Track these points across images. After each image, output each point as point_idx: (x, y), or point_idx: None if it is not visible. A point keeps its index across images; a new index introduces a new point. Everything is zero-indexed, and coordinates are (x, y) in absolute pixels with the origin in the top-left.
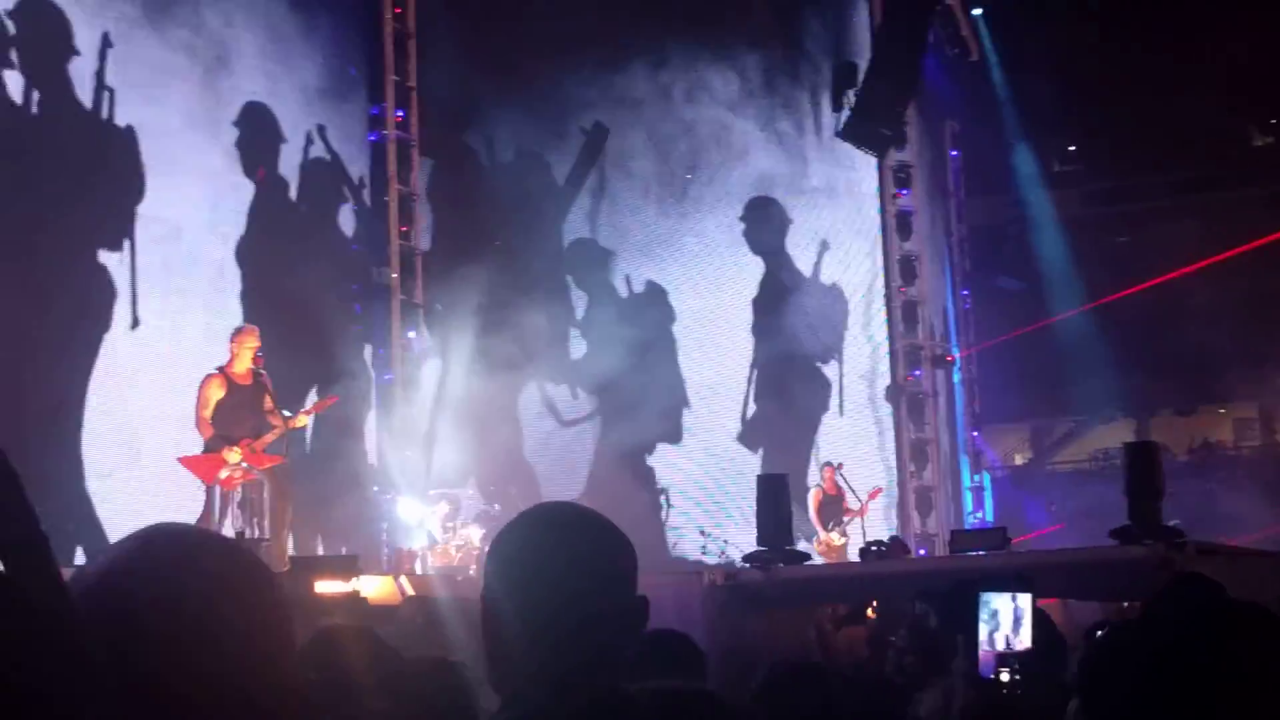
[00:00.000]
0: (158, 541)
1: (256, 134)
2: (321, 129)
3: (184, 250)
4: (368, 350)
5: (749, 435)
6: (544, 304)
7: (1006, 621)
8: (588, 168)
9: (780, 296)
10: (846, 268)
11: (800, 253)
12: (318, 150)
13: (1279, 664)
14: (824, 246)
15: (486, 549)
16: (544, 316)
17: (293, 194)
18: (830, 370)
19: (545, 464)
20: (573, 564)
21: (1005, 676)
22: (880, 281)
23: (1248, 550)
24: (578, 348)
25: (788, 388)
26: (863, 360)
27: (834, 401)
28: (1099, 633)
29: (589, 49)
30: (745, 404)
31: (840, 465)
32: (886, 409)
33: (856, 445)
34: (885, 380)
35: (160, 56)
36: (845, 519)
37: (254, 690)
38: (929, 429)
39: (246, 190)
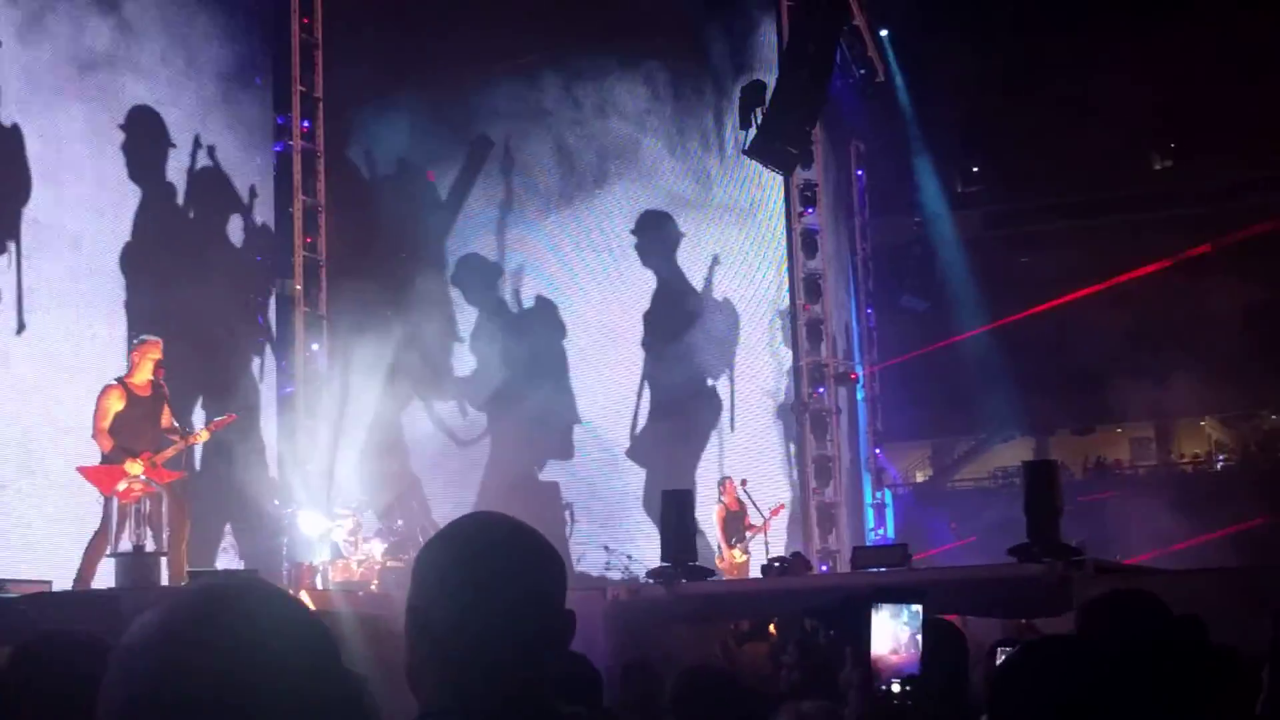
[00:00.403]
0: (241, 607)
1: (155, 142)
2: (214, 143)
3: (84, 260)
4: (270, 362)
5: (639, 450)
6: (442, 317)
7: (899, 633)
8: (494, 179)
9: (676, 312)
10: (753, 285)
11: (701, 269)
12: (221, 158)
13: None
14: (715, 262)
15: (390, 562)
16: (442, 330)
17: (194, 204)
18: (724, 386)
19: (445, 478)
20: (503, 577)
21: (896, 688)
22: (785, 299)
23: (1145, 569)
24: (472, 362)
25: (681, 403)
26: (767, 377)
27: (726, 417)
28: (1005, 650)
29: (499, 61)
30: (635, 419)
31: (744, 481)
32: (790, 426)
33: (760, 461)
34: (789, 397)
35: (60, 61)
36: (748, 535)
37: None
38: (831, 446)
39: (147, 199)
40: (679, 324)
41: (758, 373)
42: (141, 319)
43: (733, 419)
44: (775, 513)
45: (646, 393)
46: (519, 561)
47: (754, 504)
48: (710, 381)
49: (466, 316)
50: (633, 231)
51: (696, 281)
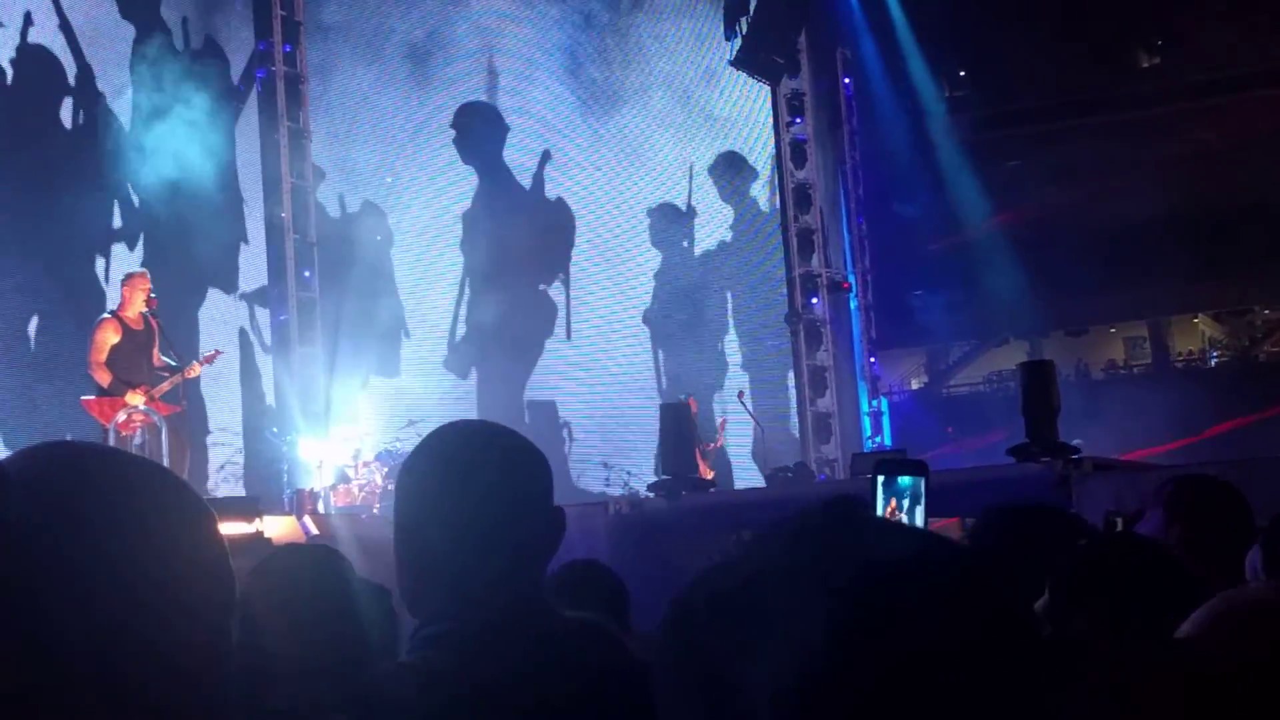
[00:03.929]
0: (61, 456)
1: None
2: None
3: None
4: (263, 290)
5: (632, 366)
6: (434, 237)
7: (901, 505)
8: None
9: (668, 228)
10: (742, 197)
11: (689, 183)
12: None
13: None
14: (710, 173)
15: (390, 485)
16: (435, 250)
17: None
18: (720, 299)
19: (443, 400)
20: (487, 480)
21: None
22: (775, 210)
23: (1142, 464)
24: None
25: (680, 317)
26: (760, 289)
27: (728, 330)
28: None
29: None
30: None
31: (741, 393)
32: (784, 337)
33: (757, 373)
34: (782, 308)
35: None
36: (710, 448)
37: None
38: (826, 355)
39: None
40: (671, 239)
41: (751, 284)
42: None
43: (736, 332)
44: (721, 427)
45: (641, 309)
46: (506, 468)
47: (752, 415)
48: (704, 295)
49: (460, 234)
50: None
51: (685, 195)
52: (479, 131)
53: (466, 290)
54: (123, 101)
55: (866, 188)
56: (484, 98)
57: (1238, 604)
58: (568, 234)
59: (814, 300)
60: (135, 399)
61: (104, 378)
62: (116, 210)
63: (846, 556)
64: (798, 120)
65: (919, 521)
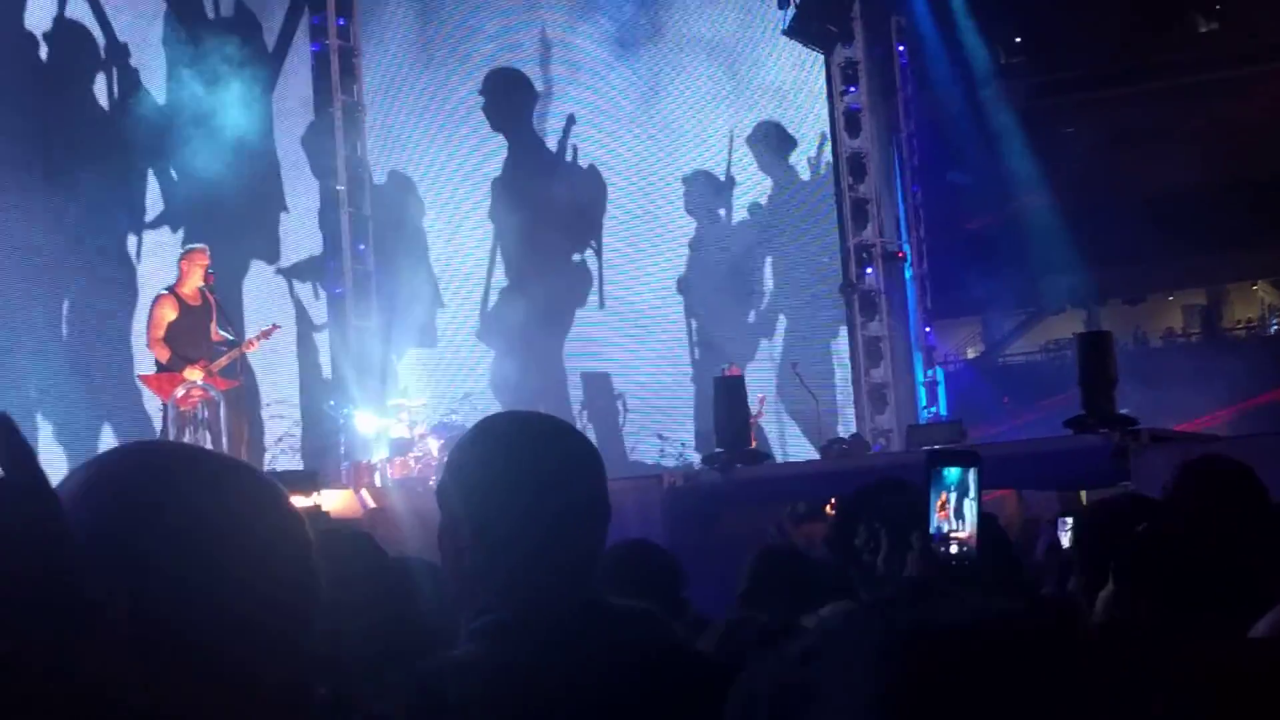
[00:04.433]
0: (155, 457)
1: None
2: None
3: None
4: (314, 261)
5: (701, 336)
6: (491, 210)
7: (954, 497)
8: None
9: (716, 196)
10: (790, 167)
11: (739, 151)
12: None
13: None
14: (756, 142)
15: (444, 458)
16: (493, 224)
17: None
18: (767, 269)
19: (500, 372)
20: (551, 473)
21: (955, 549)
22: (830, 180)
23: (1201, 435)
24: (523, 255)
25: (734, 289)
26: (816, 259)
27: (773, 300)
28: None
29: None
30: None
31: (795, 364)
32: (839, 307)
33: (810, 344)
34: (837, 279)
35: None
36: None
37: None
38: (881, 326)
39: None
40: (712, 209)
41: (806, 255)
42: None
43: (790, 303)
44: (760, 403)
45: (693, 278)
46: (569, 462)
47: (807, 387)
48: (749, 265)
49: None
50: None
51: (726, 165)
52: (510, 98)
53: (499, 259)
54: (157, 73)
55: (921, 156)
56: (527, 65)
57: None
58: (600, 202)
59: (868, 270)
60: (194, 374)
61: (162, 353)
62: (154, 185)
63: (901, 626)
64: (852, 89)
65: (969, 516)
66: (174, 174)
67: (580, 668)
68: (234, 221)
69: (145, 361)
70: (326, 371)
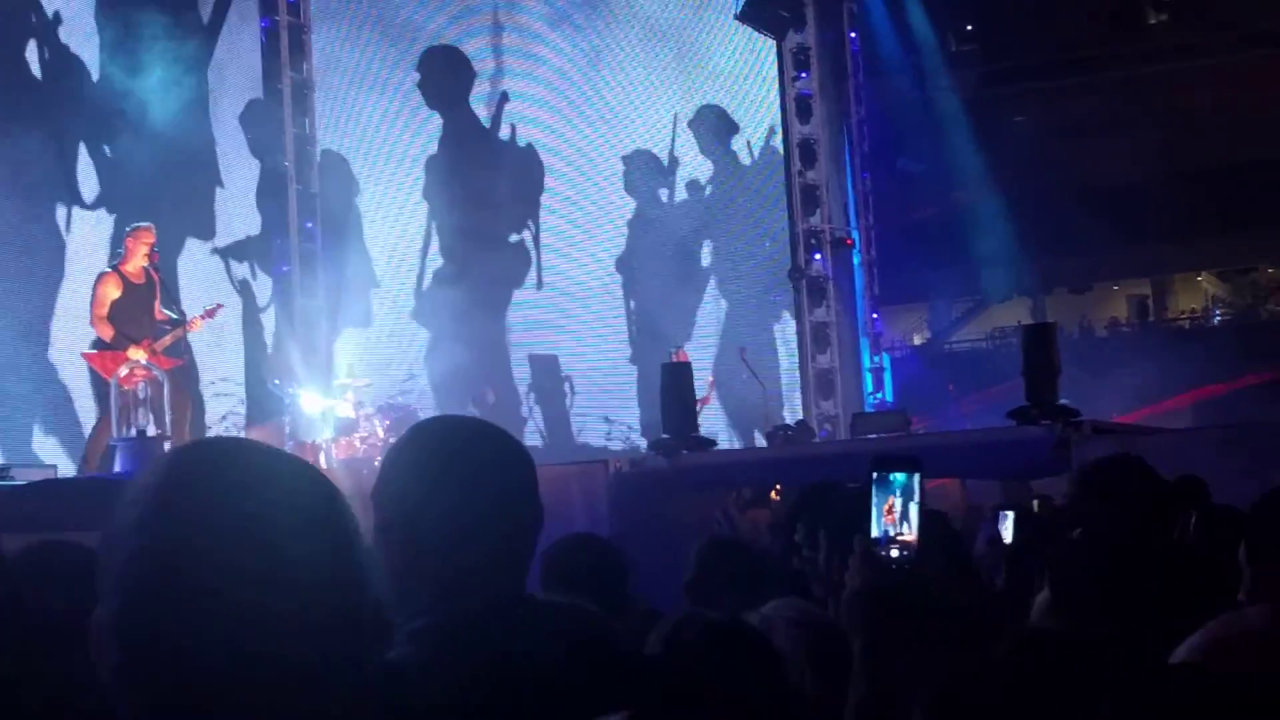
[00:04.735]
0: (222, 457)
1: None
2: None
3: None
4: (255, 239)
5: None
6: (426, 189)
7: (895, 502)
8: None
9: (662, 179)
10: (746, 152)
11: (687, 134)
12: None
13: None
14: (703, 126)
15: (392, 438)
16: (429, 201)
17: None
18: (720, 254)
19: (447, 354)
20: (475, 476)
21: (895, 553)
22: (778, 165)
23: (1142, 428)
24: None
25: (679, 272)
26: (763, 244)
27: (730, 285)
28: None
29: None
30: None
31: (743, 349)
32: (780, 292)
33: (758, 331)
34: (784, 264)
35: None
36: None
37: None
38: (828, 312)
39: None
40: (662, 189)
41: (753, 240)
42: (132, 205)
43: (736, 288)
44: (710, 386)
45: (636, 261)
46: (495, 465)
47: (754, 373)
48: (705, 250)
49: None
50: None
51: (669, 147)
52: (448, 76)
53: (434, 239)
54: (90, 45)
55: (870, 143)
56: (479, 45)
57: (1232, 631)
58: (539, 181)
59: (816, 256)
60: (137, 354)
61: (106, 332)
62: (84, 158)
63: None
64: (803, 75)
65: (913, 520)
66: (106, 150)
67: (512, 668)
68: (167, 199)
69: (76, 336)
70: (270, 350)
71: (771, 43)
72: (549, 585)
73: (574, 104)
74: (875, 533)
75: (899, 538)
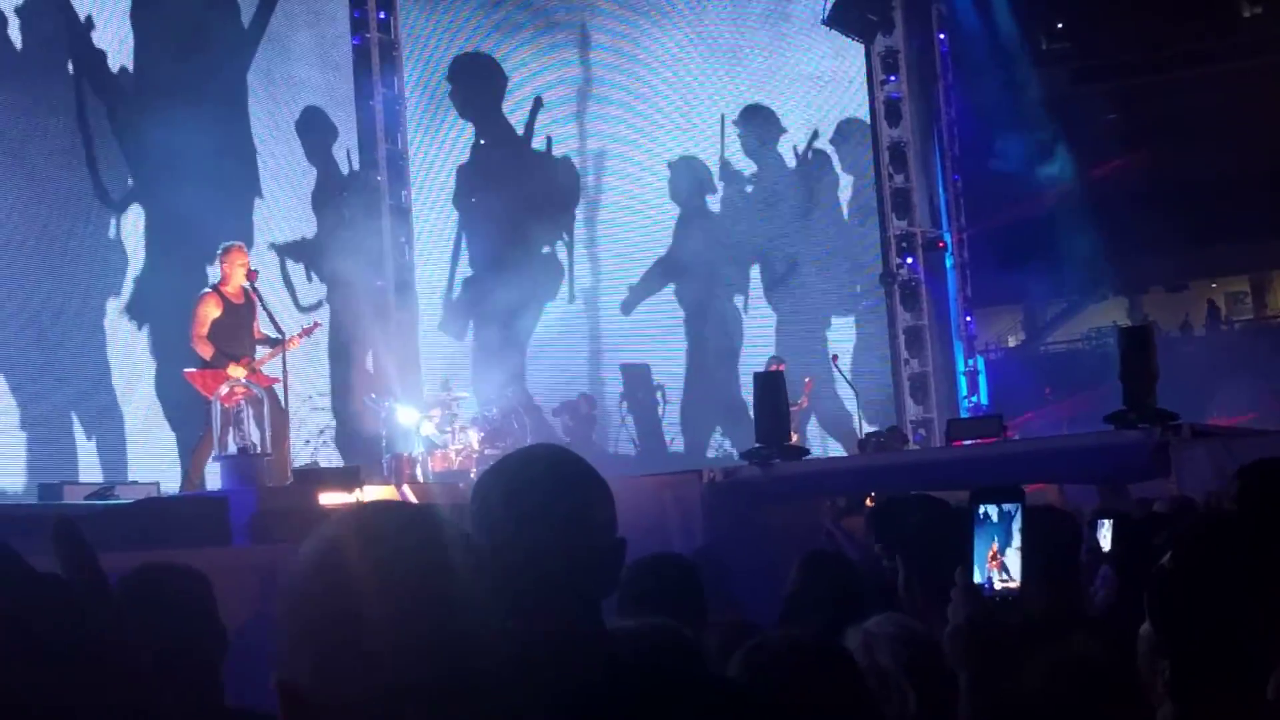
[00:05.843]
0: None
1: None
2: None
3: None
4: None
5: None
6: (531, 204)
7: (1000, 541)
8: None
9: (756, 190)
10: (837, 159)
11: (787, 143)
12: (300, 55)
13: None
14: (814, 136)
15: (488, 450)
16: (531, 217)
17: (278, 104)
18: (822, 262)
19: (540, 366)
20: (540, 507)
21: (999, 585)
22: (870, 170)
23: (1243, 430)
24: (564, 250)
25: (779, 281)
26: (856, 249)
27: (831, 294)
28: (1103, 520)
29: None
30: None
31: (835, 356)
32: (880, 297)
33: (851, 335)
34: (878, 269)
35: None
36: (794, 409)
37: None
38: (922, 315)
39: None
40: (757, 201)
41: (846, 246)
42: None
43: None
44: (807, 388)
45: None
46: (556, 491)
47: (846, 379)
48: (799, 259)
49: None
50: (735, 119)
51: (781, 156)
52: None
53: (464, 249)
54: (127, 60)
55: (961, 144)
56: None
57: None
58: (576, 190)
59: (908, 260)
60: (237, 371)
61: (206, 351)
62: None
63: None
64: (892, 78)
65: (1014, 568)
66: (126, 177)
67: (586, 698)
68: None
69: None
70: (369, 364)
71: (859, 47)
72: (625, 610)
73: (661, 110)
74: (978, 578)
75: (1003, 583)
